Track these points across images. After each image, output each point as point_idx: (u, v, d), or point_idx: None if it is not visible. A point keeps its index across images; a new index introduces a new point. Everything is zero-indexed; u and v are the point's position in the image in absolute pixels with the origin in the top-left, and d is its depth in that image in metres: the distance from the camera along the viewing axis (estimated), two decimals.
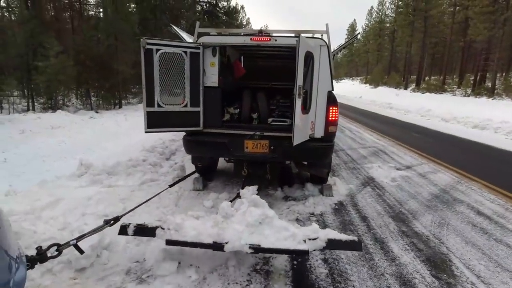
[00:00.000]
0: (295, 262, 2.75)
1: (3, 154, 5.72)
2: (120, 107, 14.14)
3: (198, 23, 4.22)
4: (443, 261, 2.83)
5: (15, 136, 7.19)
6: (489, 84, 24.48)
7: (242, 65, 5.07)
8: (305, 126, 3.76)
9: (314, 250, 2.44)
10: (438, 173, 5.60)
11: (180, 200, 4.04)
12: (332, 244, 2.45)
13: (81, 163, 4.39)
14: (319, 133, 3.92)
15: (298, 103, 3.43)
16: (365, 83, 50.19)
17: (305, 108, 3.71)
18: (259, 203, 2.67)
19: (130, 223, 2.60)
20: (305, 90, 3.63)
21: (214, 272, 2.58)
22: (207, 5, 26.07)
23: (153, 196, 2.84)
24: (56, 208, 3.39)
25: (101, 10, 17.17)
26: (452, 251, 3.01)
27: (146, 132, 3.79)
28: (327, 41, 3.88)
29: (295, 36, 3.78)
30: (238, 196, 3.30)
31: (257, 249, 2.38)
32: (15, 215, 3.12)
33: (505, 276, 2.64)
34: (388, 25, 51.34)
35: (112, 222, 2.22)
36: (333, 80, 3.92)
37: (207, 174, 4.46)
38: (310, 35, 4.05)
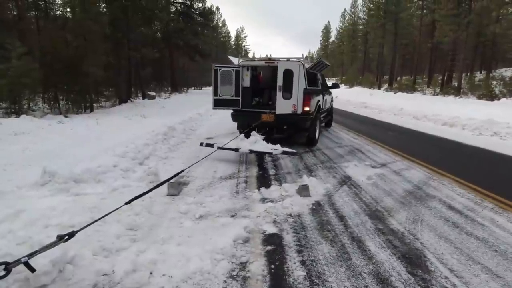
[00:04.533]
0: (272, 266, 2.68)
1: None
2: (92, 110, 13.55)
3: (240, 56, 8.08)
4: (418, 257, 2.87)
5: None
6: (456, 84, 25.74)
7: (261, 76, 8.57)
8: (286, 105, 6.99)
9: (276, 155, 5.78)
10: (412, 170, 5.75)
11: (154, 207, 3.87)
12: (284, 152, 5.65)
13: (44, 171, 4.11)
14: (299, 111, 6.92)
15: (279, 93, 7.00)
16: (340, 83, 51.33)
17: (289, 96, 6.95)
18: (255, 135, 6.19)
19: (203, 142, 6.45)
20: (290, 87, 6.90)
21: (188, 280, 2.46)
22: (182, 6, 25.68)
23: (108, 214, 2.68)
24: (15, 221, 3.13)
25: (68, 9, 16.45)
26: (426, 246, 3.07)
27: (213, 108, 7.73)
28: (302, 62, 6.94)
29: (286, 60, 7.10)
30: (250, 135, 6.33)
31: (251, 151, 5.69)
32: None
33: (476, 268, 2.71)
34: (361, 27, 52.93)
35: (66, 238, 2.05)
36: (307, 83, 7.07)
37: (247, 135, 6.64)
38: (296, 59, 7.05)
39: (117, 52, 16.91)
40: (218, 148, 5.78)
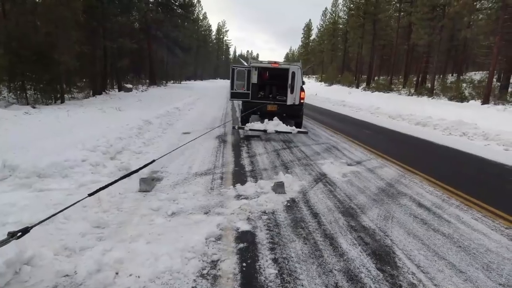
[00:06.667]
0: (244, 264, 2.64)
1: None
2: (63, 102, 12.91)
3: (251, 59, 10.03)
4: (387, 254, 2.93)
5: None
6: (429, 85, 26.74)
7: (265, 75, 10.64)
8: (291, 98, 8.79)
9: (293, 133, 7.97)
10: (385, 168, 5.90)
11: (124, 203, 3.72)
12: (299, 132, 8.08)
13: (4, 165, 3.84)
14: (297, 102, 8.83)
15: (289, 90, 8.75)
16: (320, 81, 51.97)
17: (292, 91, 8.74)
18: (277, 119, 8.34)
19: (236, 125, 8.45)
20: (293, 85, 8.72)
21: (156, 280, 2.38)
22: None
23: (67, 207, 2.52)
24: None
25: None
26: (396, 243, 3.14)
27: (230, 100, 9.58)
28: (300, 66, 9.01)
29: (289, 64, 9.05)
30: (271, 119, 8.38)
31: (276, 131, 7.89)
32: None
33: (441, 264, 2.80)
34: (341, 26, 53.64)
35: (19, 234, 1.90)
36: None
37: (245, 122, 8.90)
38: (295, 63, 9.16)
39: (91, 41, 16.18)
40: (250, 130, 7.92)
